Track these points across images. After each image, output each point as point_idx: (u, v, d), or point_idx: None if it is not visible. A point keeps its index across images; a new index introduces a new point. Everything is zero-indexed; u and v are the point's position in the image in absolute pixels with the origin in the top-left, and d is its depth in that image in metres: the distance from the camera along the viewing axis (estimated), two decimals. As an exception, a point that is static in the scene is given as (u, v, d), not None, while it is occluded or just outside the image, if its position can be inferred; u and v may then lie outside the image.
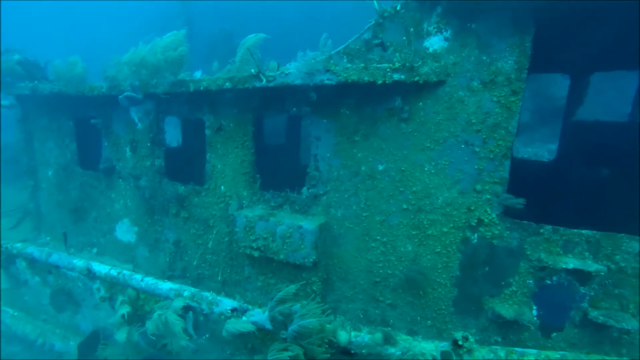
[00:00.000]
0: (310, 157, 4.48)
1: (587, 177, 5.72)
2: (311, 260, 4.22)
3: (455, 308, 3.95)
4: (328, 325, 3.15)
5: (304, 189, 4.57)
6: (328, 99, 4.18)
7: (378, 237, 4.25)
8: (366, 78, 3.63)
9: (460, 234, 3.83)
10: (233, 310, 3.20)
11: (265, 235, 4.40)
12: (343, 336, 3.64)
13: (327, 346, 3.52)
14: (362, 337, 3.72)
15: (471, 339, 3.57)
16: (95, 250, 6.35)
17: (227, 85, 4.29)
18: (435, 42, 3.63)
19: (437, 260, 3.95)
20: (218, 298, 3.42)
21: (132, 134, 5.73)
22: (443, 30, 3.57)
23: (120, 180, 6.08)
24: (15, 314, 4.87)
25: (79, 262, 4.13)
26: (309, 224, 4.22)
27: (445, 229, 3.90)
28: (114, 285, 3.90)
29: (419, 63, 3.56)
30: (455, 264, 3.88)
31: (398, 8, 3.66)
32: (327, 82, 3.77)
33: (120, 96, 4.92)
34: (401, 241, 4.14)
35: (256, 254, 4.50)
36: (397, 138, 3.99)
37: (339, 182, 4.37)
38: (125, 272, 3.82)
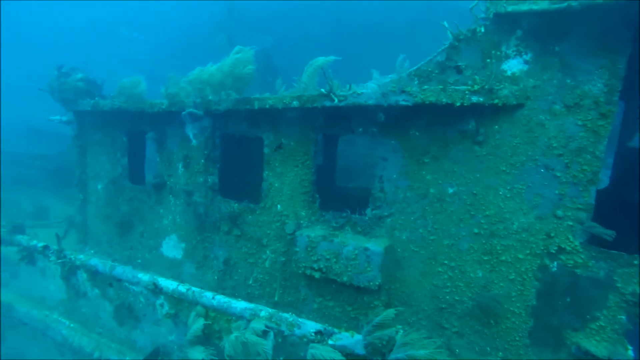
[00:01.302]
0: (375, 178, 4.44)
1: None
2: (377, 283, 4.11)
3: (530, 340, 3.76)
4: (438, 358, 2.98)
5: (368, 210, 4.51)
6: (397, 120, 4.16)
7: (445, 262, 4.13)
8: (444, 100, 3.61)
9: (538, 261, 3.68)
10: (317, 333, 3.11)
11: (328, 256, 4.32)
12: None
13: None
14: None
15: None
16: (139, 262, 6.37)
17: (295, 104, 4.33)
18: (514, 65, 3.60)
19: (511, 287, 3.80)
20: (300, 320, 3.33)
21: (186, 150, 5.81)
22: (523, 53, 3.54)
23: (171, 196, 6.13)
24: (72, 325, 4.87)
25: (144, 277, 4.12)
26: (376, 245, 4.13)
27: (520, 256, 3.76)
28: (180, 302, 3.86)
29: (500, 86, 3.52)
30: (532, 293, 3.72)
31: (476, 31, 3.66)
32: (402, 102, 3.76)
33: (183, 112, 5.01)
34: (471, 266, 4.01)
35: (317, 275, 4.41)
36: (469, 161, 3.92)
37: (405, 204, 4.30)
38: (194, 289, 3.78)
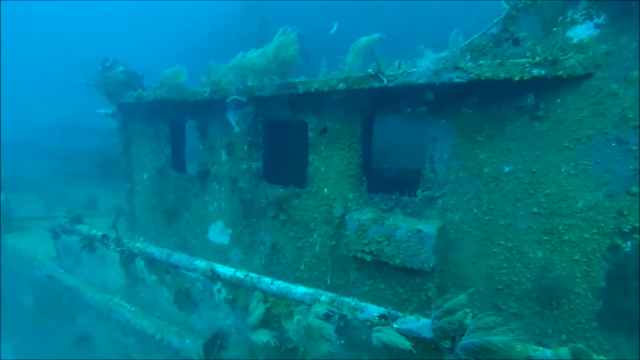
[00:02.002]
0: (425, 159, 4.33)
1: None
2: (431, 265, 4.06)
3: (599, 323, 3.62)
4: (518, 346, 2.90)
5: (418, 192, 4.42)
6: (447, 98, 4.01)
7: (502, 242, 4.01)
8: (502, 75, 3.42)
9: (607, 241, 3.50)
10: (381, 316, 3.12)
11: (380, 238, 4.29)
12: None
13: None
14: (544, 352, 3.24)
15: None
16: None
17: (341, 86, 4.24)
18: (581, 31, 3.35)
19: (576, 268, 3.64)
20: (362, 304, 3.36)
21: (229, 137, 5.87)
22: (594, 17, 3.27)
23: (215, 183, 6.25)
24: (133, 309, 5.14)
25: (201, 264, 4.26)
26: (429, 227, 4.06)
27: (586, 235, 3.58)
28: (238, 288, 3.97)
29: (565, 56, 3.29)
30: (600, 274, 3.55)
31: (538, -3, 3.41)
32: (456, 80, 3.60)
33: (227, 100, 5.04)
34: (529, 247, 3.87)
35: (368, 257, 4.40)
36: (527, 138, 3.73)
37: (458, 184, 4.18)
38: (252, 275, 3.88)
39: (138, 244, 4.96)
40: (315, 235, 5.21)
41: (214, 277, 4.05)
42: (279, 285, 3.70)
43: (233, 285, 4.01)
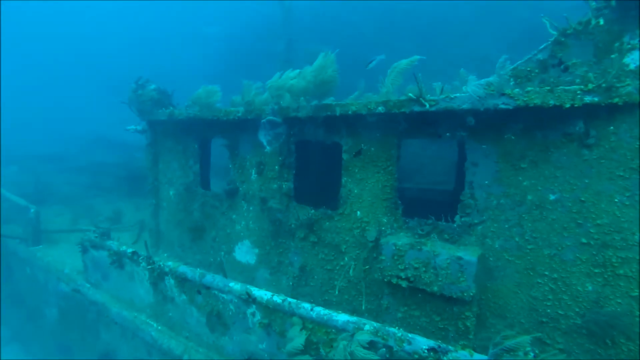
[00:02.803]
0: (465, 184, 4.23)
1: None
2: (471, 294, 3.91)
3: (658, 363, 3.41)
4: None
5: (456, 217, 4.31)
6: (489, 124, 3.93)
7: (546, 273, 3.84)
8: (552, 102, 3.34)
9: (667, 277, 3.32)
10: (430, 349, 2.99)
11: (417, 265, 4.18)
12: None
13: None
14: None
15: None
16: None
17: (380, 109, 4.22)
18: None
19: (634, 305, 3.45)
20: (409, 335, 3.24)
21: (260, 157, 5.88)
22: (654, 42, 3.19)
23: (243, 201, 6.24)
24: (160, 327, 5.09)
25: (235, 286, 4.20)
26: (469, 255, 3.93)
27: (644, 270, 3.41)
28: (274, 312, 3.89)
29: (622, 83, 3.20)
30: (660, 311, 3.36)
31: (590, 23, 3.35)
32: (502, 106, 3.53)
33: (263, 120, 5.06)
34: (578, 279, 3.70)
35: (404, 284, 4.28)
36: (576, 165, 3.61)
37: (499, 211, 4.06)
38: (291, 300, 3.79)
39: (170, 263, 4.94)
40: (346, 258, 5.12)
41: (249, 300, 3.98)
42: (320, 311, 3.60)
43: (269, 309, 3.93)
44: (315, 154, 6.79)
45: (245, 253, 6.35)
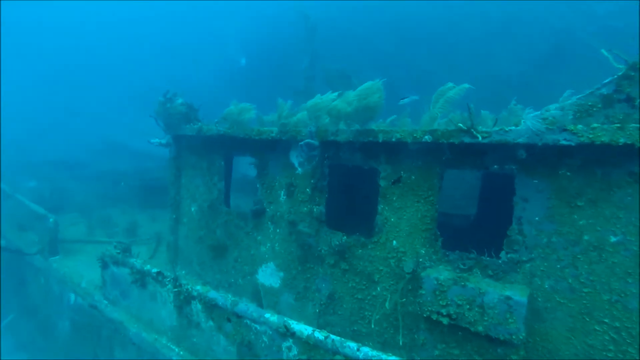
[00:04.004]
0: (513, 219, 4.04)
1: None
2: (521, 337, 3.69)
3: None
4: None
5: (502, 253, 4.12)
6: (542, 158, 3.77)
7: (606, 320, 3.61)
8: (622, 140, 3.17)
9: None
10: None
11: (460, 302, 3.97)
12: None
13: None
14: None
15: None
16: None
17: (427, 138, 4.08)
18: None
19: None
20: None
21: (290, 178, 5.73)
22: None
23: (270, 223, 6.08)
24: (181, 353, 4.89)
25: (272, 318, 4.01)
26: (518, 294, 3.72)
27: None
28: (314, 349, 3.69)
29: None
30: None
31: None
32: (563, 142, 3.37)
33: (301, 142, 4.94)
34: (643, 330, 3.46)
35: (445, 320, 4.07)
36: (641, 207, 3.42)
37: (550, 249, 3.86)
38: (334, 337, 3.60)
39: (198, 287, 4.76)
40: (378, 289, 4.92)
41: (287, 333, 3.78)
42: (367, 352, 3.40)
43: (309, 345, 3.73)
44: (347, 178, 6.64)
45: (269, 276, 6.15)
